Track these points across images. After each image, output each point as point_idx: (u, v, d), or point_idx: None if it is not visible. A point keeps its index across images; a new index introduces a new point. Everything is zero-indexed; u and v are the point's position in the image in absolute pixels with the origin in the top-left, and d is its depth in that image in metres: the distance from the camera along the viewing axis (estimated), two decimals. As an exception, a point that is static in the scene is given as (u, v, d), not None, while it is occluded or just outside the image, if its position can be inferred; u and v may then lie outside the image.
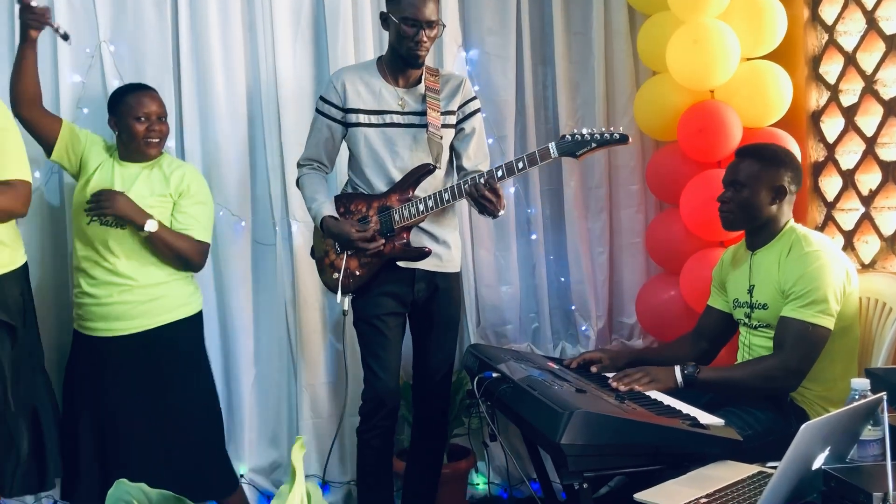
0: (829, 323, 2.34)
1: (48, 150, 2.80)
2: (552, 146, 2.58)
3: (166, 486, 2.68)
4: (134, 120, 2.77)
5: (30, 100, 2.73)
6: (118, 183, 2.77)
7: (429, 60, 3.01)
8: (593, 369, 2.61)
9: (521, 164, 2.59)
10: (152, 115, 2.79)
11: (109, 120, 2.83)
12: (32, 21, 2.60)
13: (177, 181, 2.82)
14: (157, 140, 2.81)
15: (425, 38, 2.66)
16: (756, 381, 2.38)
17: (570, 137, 2.58)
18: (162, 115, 2.84)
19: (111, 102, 2.85)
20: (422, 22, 2.64)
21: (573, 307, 3.64)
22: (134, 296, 2.75)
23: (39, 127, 2.77)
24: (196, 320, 2.90)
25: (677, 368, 2.39)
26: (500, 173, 2.60)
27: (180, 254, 2.79)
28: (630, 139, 2.58)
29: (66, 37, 2.69)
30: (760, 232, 2.53)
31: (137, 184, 2.79)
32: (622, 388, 2.35)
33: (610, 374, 2.53)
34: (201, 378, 2.92)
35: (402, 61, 2.73)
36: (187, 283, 2.87)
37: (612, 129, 2.58)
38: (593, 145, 2.56)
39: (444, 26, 2.80)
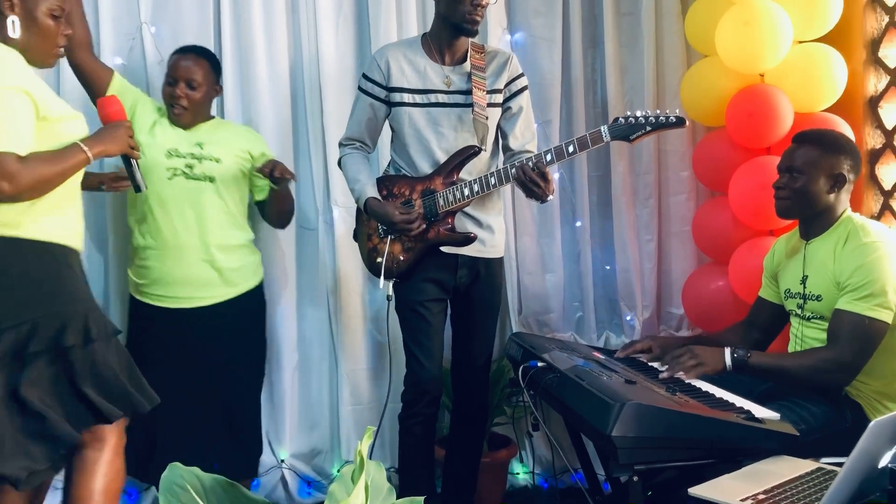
0: (886, 317, 2.27)
1: (94, 100, 2.66)
2: (604, 129, 2.51)
3: (211, 461, 2.68)
4: (164, 83, 2.77)
5: (79, 43, 2.63)
6: (191, 140, 2.77)
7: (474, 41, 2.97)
8: (643, 358, 2.57)
9: (571, 148, 2.53)
10: (180, 78, 2.74)
11: None
12: None
13: (248, 142, 2.86)
14: (177, 109, 2.75)
15: (484, 2, 2.61)
16: (808, 372, 2.32)
17: (623, 120, 2.51)
18: (192, 80, 2.75)
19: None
20: None
21: (618, 296, 3.59)
22: (221, 263, 2.77)
23: (91, 72, 2.69)
24: (261, 289, 2.94)
25: (727, 351, 2.34)
26: (548, 157, 2.54)
27: (291, 208, 2.91)
28: (687, 122, 2.51)
29: None
30: (816, 221, 2.47)
31: (212, 140, 2.80)
32: (668, 373, 2.31)
33: (657, 364, 2.49)
34: (259, 351, 2.95)
35: (454, 31, 2.67)
36: (255, 251, 2.91)
37: (667, 111, 2.51)
38: (648, 129, 2.50)
39: None
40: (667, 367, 2.38)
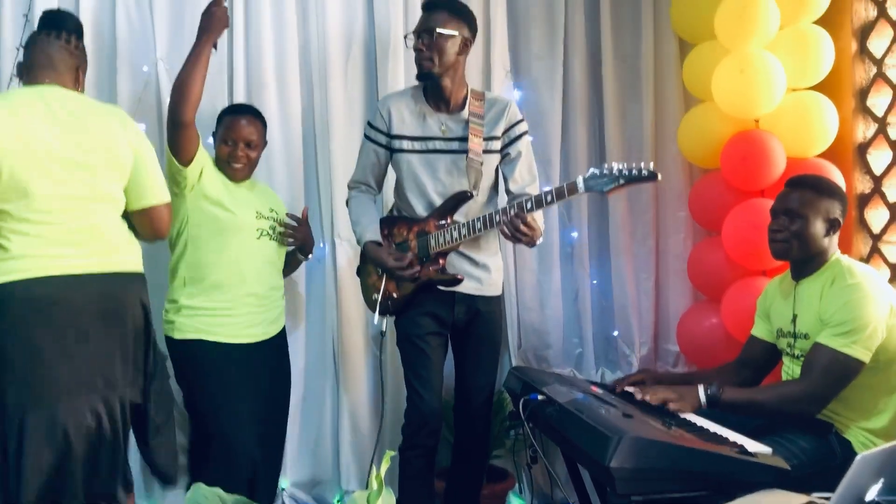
0: (862, 355, 2.32)
1: (185, 160, 2.70)
2: (579, 181, 2.54)
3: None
4: (221, 142, 2.86)
5: (197, 102, 2.67)
6: (264, 203, 2.92)
7: (476, 85, 3.06)
8: (632, 390, 2.59)
9: (549, 198, 2.59)
10: (239, 139, 2.84)
11: (214, 134, 2.93)
12: (222, 19, 2.70)
13: (277, 205, 3.01)
14: (238, 165, 2.86)
15: (420, 47, 2.72)
16: (778, 404, 2.38)
17: (598, 172, 2.54)
18: (251, 141, 2.86)
19: (217, 119, 2.94)
20: (417, 31, 2.74)
21: (616, 333, 3.64)
22: (277, 301, 2.94)
23: (191, 134, 2.69)
24: None
25: (700, 388, 2.39)
26: (529, 206, 2.61)
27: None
28: (659, 176, 2.51)
29: (215, 45, 2.77)
30: (807, 262, 2.53)
31: (275, 205, 2.97)
32: (646, 398, 2.36)
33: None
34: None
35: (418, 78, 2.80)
36: None
37: (642, 165, 2.52)
38: (621, 182, 2.51)
39: (470, 40, 2.79)
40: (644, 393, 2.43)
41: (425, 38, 2.72)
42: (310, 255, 3.12)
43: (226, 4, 2.76)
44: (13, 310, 2.16)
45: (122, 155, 2.40)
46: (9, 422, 2.17)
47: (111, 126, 2.40)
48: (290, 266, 3.09)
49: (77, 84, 2.47)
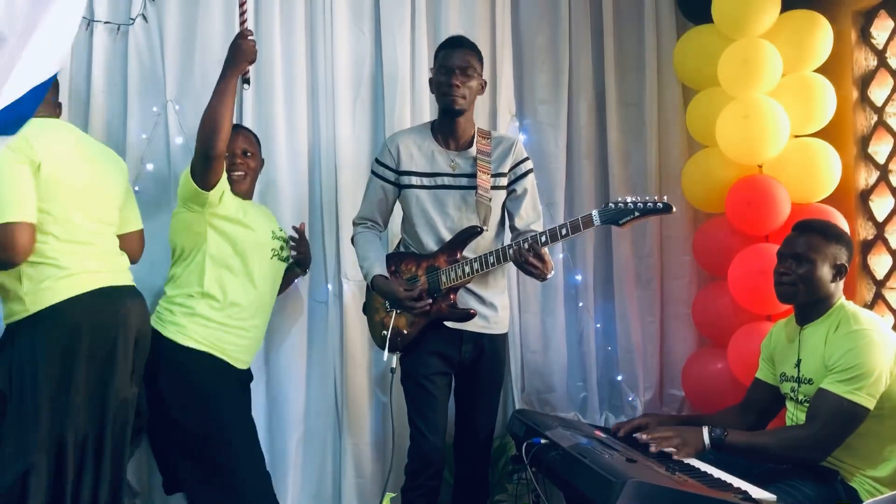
0: (867, 402, 2.31)
1: (208, 187, 2.66)
2: (595, 213, 2.59)
3: None
4: None
5: (228, 134, 2.64)
6: (273, 225, 3.00)
7: (482, 127, 3.09)
8: (639, 436, 2.59)
9: (564, 231, 2.62)
10: (236, 149, 2.89)
11: None
12: (248, 52, 2.70)
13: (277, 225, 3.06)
14: (239, 173, 2.89)
15: (457, 83, 2.75)
16: (783, 449, 2.37)
17: (613, 205, 2.59)
18: (248, 150, 2.92)
19: None
20: (452, 67, 2.76)
21: (620, 377, 3.63)
22: (263, 333, 2.98)
23: (220, 166, 2.67)
24: None
25: (705, 430, 2.39)
26: (543, 239, 2.64)
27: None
28: (674, 209, 2.57)
29: (247, 81, 2.81)
30: (813, 307, 2.53)
31: (271, 221, 3.02)
32: (653, 448, 2.35)
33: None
34: None
35: (443, 114, 2.83)
36: None
37: (656, 198, 2.58)
38: (636, 214, 2.56)
39: (486, 83, 2.89)
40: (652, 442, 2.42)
41: (460, 76, 2.76)
42: (307, 271, 3.19)
43: (253, 38, 2.75)
44: (77, 320, 2.39)
45: (120, 184, 2.67)
46: (74, 418, 2.36)
47: (110, 157, 2.70)
48: (285, 281, 3.09)
49: (60, 117, 2.65)
